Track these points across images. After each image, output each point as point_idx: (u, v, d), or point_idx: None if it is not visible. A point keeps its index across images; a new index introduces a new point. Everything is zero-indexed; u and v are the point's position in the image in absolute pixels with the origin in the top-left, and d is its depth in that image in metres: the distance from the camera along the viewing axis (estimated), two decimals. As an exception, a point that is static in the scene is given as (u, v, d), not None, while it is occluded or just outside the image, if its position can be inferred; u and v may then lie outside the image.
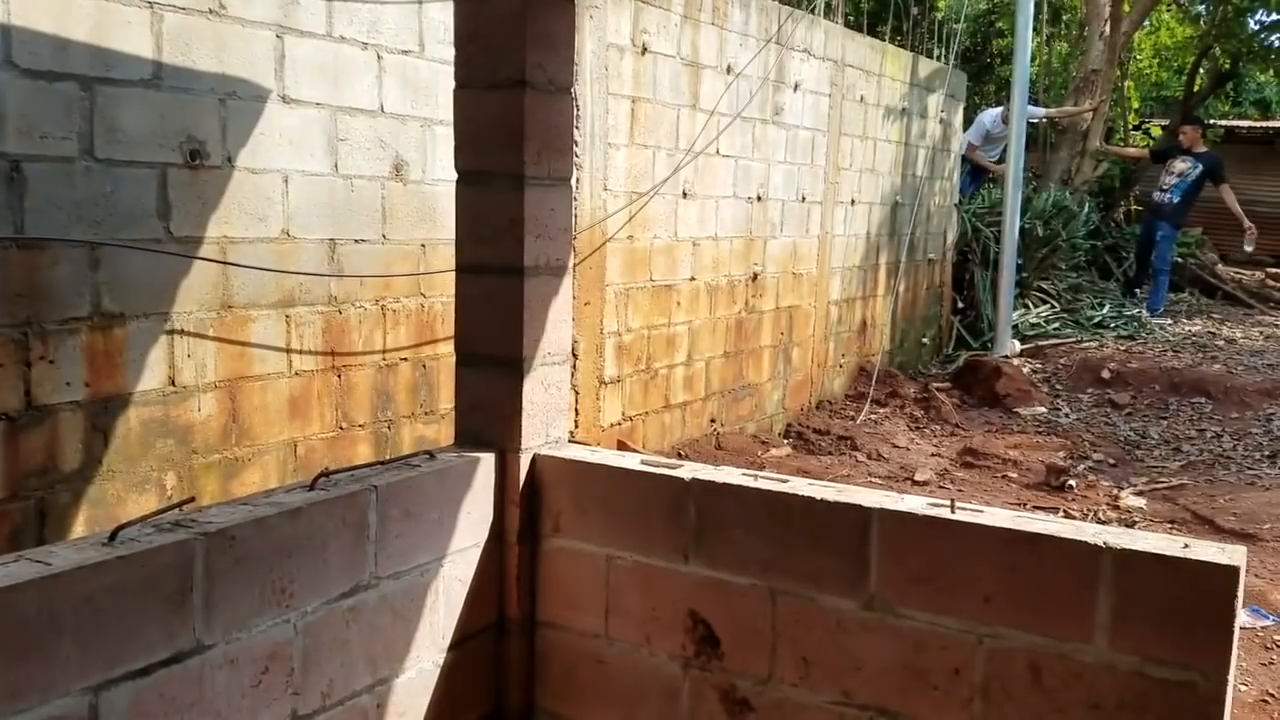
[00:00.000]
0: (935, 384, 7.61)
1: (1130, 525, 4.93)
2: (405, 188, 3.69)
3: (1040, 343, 8.51)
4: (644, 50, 4.96)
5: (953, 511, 2.06)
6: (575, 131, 4.55)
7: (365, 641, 2.06)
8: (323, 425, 3.45)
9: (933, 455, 6.29)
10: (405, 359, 3.73)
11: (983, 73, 14.49)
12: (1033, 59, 14.09)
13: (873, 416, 7.04)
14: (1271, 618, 3.84)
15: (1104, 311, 9.36)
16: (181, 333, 3.04)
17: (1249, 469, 5.79)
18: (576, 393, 4.77)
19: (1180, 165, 10.03)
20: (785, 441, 6.52)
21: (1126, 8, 11.09)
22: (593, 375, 4.88)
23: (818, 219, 6.82)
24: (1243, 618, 3.88)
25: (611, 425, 5.06)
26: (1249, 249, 10.50)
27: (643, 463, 2.42)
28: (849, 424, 6.86)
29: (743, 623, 2.24)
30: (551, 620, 2.45)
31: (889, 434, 6.67)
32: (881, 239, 7.73)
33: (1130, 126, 14.62)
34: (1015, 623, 1.96)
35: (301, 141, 3.34)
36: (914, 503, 2.12)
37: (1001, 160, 9.12)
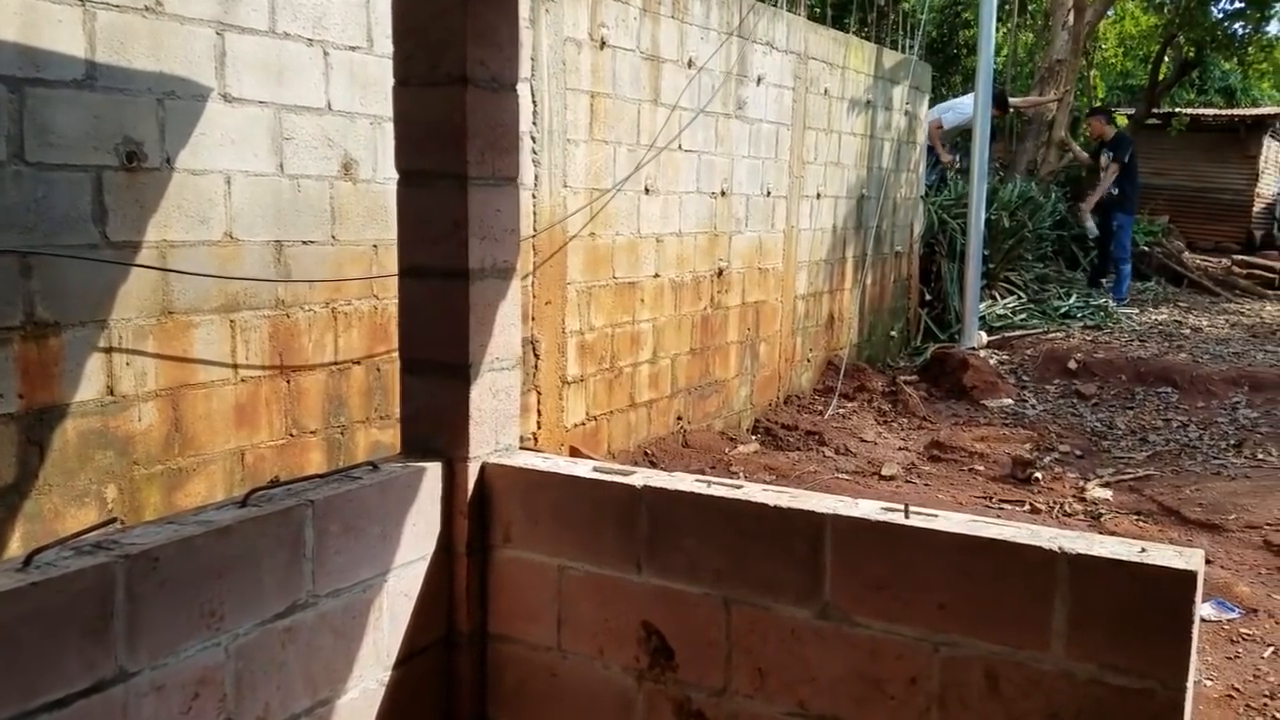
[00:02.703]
0: (903, 377, 7.60)
1: (1097, 517, 4.93)
2: (355, 187, 3.60)
3: (1007, 334, 8.52)
4: (603, 44, 4.88)
5: (907, 517, 2.01)
6: (532, 128, 4.48)
7: (304, 662, 1.99)
8: (271, 433, 3.36)
9: (900, 449, 6.27)
10: (358, 363, 3.65)
11: (949, 64, 14.51)
12: (998, 50, 14.14)
13: (840, 411, 7.01)
14: (1237, 611, 3.83)
15: (1070, 302, 9.39)
16: (120, 341, 2.94)
17: (1215, 459, 5.80)
18: (539, 393, 4.70)
19: (1103, 159, 10.41)
20: (753, 438, 6.49)
21: (1090, -3, 11.12)
22: (555, 375, 4.81)
23: (783, 213, 6.78)
24: (1207, 611, 3.88)
25: (575, 425, 5.00)
26: (1090, 231, 10.91)
27: (595, 469, 2.36)
28: (817, 419, 6.83)
29: (697, 633, 2.18)
30: (503, 633, 2.38)
31: (856, 428, 6.65)
32: (848, 232, 7.70)
33: (1096, 116, 14.66)
34: (971, 630, 1.91)
35: (244, 141, 3.24)
36: (868, 508, 2.07)
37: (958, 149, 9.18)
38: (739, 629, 2.14)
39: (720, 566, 2.16)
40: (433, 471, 2.31)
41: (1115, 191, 10.33)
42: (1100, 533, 4.75)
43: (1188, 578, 1.74)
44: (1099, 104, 15.78)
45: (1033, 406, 7.01)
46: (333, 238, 3.53)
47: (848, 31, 8.02)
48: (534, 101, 4.47)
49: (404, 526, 2.24)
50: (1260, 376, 7.08)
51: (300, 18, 3.40)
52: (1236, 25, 13.81)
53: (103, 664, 1.66)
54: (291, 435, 3.43)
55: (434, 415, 2.37)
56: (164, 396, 3.06)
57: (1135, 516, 4.91)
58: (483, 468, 2.38)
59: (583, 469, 2.36)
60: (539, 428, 4.71)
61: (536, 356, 4.67)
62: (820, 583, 2.05)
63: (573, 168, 4.78)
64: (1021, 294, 9.34)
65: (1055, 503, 5.13)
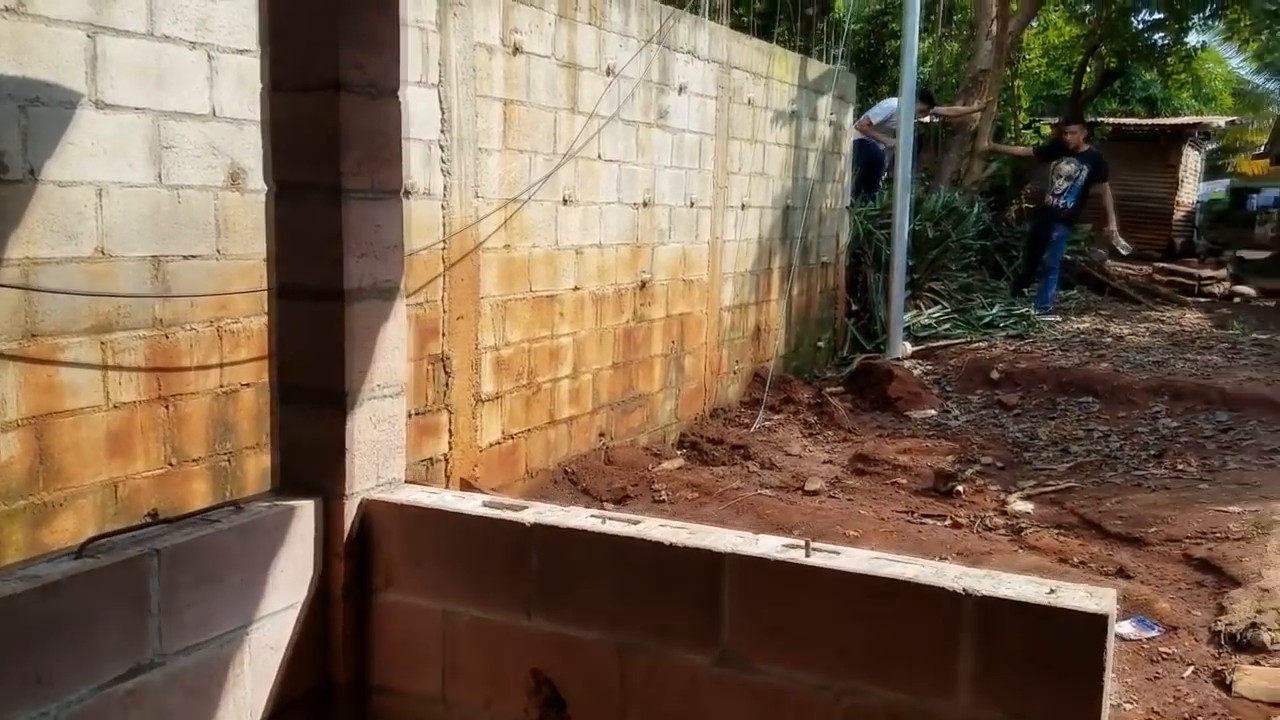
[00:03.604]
0: (829, 389, 7.54)
1: (1018, 531, 4.89)
2: (244, 198, 3.40)
3: (932, 344, 8.51)
4: (516, 50, 4.73)
5: (808, 555, 1.89)
6: (441, 136, 4.30)
7: (150, 728, 1.80)
8: (149, 462, 3.14)
9: (825, 463, 6.20)
10: (248, 384, 3.44)
11: (877, 74, 14.59)
12: (925, 60, 14.24)
13: (767, 424, 6.92)
14: (1157, 629, 3.78)
15: (994, 311, 9.42)
16: (-24, 366, 2.71)
17: (1135, 470, 5.81)
18: (451, 413, 4.52)
19: (1067, 168, 10.15)
20: (679, 452, 6.37)
21: (1014, 7, 11.22)
22: (469, 393, 4.63)
23: (708, 224, 6.67)
24: (1128, 629, 3.83)
25: (491, 445, 4.83)
26: (1124, 249, 11.04)
27: (485, 505, 2.21)
28: (743, 432, 6.73)
29: (590, 682, 2.04)
30: (384, 684, 2.22)
31: (783, 442, 6.56)
32: (774, 243, 7.63)
33: (1021, 125, 14.87)
34: (874, 677, 1.79)
35: (119, 150, 3.03)
36: (768, 545, 1.95)
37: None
38: (635, 677, 2.00)
39: (615, 610, 2.02)
40: (305, 510, 2.14)
41: (1070, 205, 10.23)
42: (1022, 547, 4.71)
43: (1098, 621, 1.64)
44: (1026, 113, 16.02)
45: (956, 417, 6.99)
46: (218, 251, 3.32)
47: (780, 43, 7.97)
48: (443, 109, 4.30)
49: (270, 572, 2.06)
50: (1180, 385, 7.14)
51: (182, 19, 3.20)
52: (1157, 36, 14.07)
53: (-97, 744, 1.47)
54: (171, 465, 3.22)
55: (309, 448, 2.20)
56: (27, 426, 2.83)
57: (1056, 530, 4.88)
58: (363, 505, 2.22)
59: (471, 504, 2.20)
60: (451, 449, 4.53)
61: (448, 374, 4.49)
62: (719, 627, 1.92)
63: (486, 177, 4.61)
64: (946, 304, 9.36)
65: (977, 516, 5.08)
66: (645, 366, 6.17)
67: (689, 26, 6.20)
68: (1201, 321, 10.68)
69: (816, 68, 8.07)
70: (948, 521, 5.03)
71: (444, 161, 4.33)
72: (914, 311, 9.05)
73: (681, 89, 6.15)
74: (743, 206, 7.11)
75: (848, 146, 8.81)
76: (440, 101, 4.28)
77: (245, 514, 2.04)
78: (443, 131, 4.30)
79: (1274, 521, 4.71)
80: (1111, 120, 18.08)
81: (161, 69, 3.15)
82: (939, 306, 9.26)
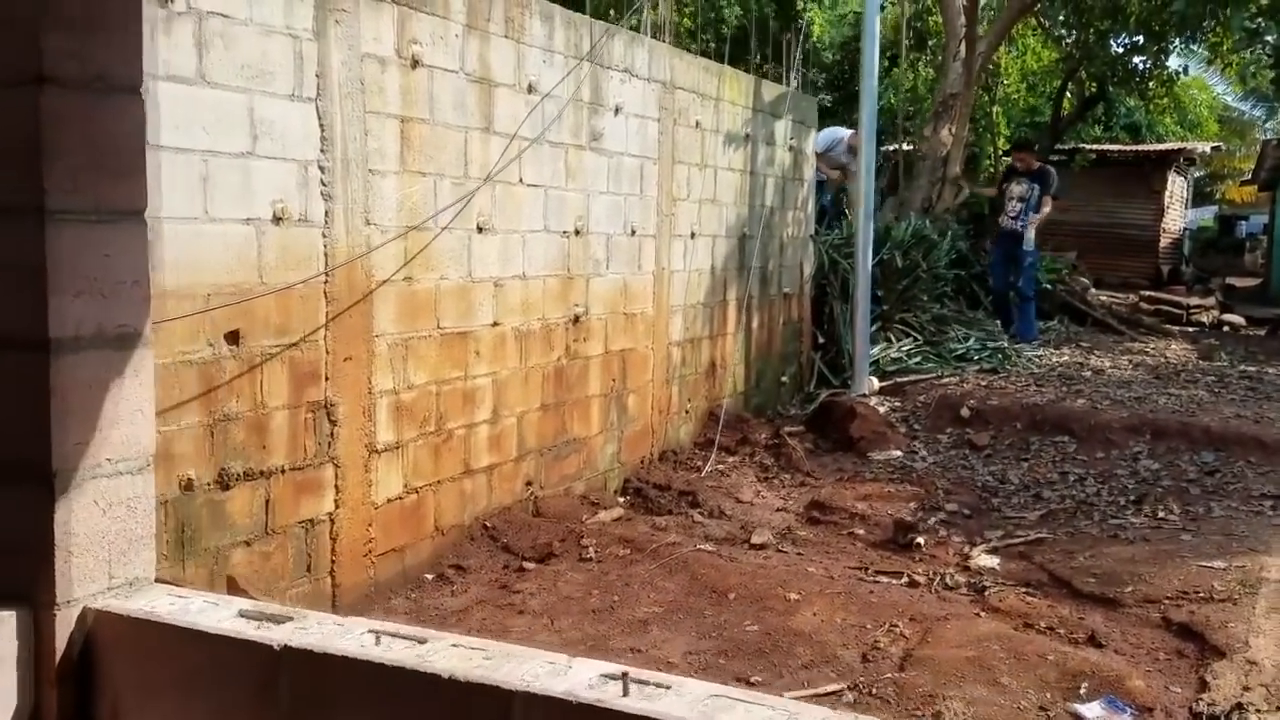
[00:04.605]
0: (788, 428, 7.05)
1: (981, 590, 4.40)
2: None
3: (900, 379, 8.04)
4: (415, 63, 4.27)
5: (625, 693, 1.40)
6: (321, 155, 3.84)
7: None
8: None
9: (778, 510, 5.71)
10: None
11: (852, 99, 14.19)
12: (897, 86, 13.87)
13: (720, 467, 6.43)
14: (1129, 711, 3.28)
15: (968, 344, 8.95)
16: None
17: (1112, 518, 5.32)
18: (337, 466, 4.02)
19: (1019, 189, 10.00)
20: (620, 500, 5.87)
21: (984, 29, 10.85)
22: (360, 443, 4.14)
23: (651, 254, 6.21)
24: (1096, 712, 3.33)
25: (390, 500, 4.33)
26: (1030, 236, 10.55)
27: (240, 615, 1.72)
28: (693, 477, 6.24)
29: None
30: None
31: (734, 487, 6.07)
32: (729, 274, 7.17)
33: (1000, 153, 14.47)
34: None
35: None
36: (578, 678, 1.46)
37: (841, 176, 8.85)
38: None
39: (386, 759, 1.53)
40: (2, 625, 1.64)
41: (1027, 224, 9.93)
42: (983, 609, 4.21)
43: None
44: (1005, 140, 15.61)
45: (922, 458, 6.50)
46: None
47: (756, 72, 7.56)
48: (323, 125, 3.84)
49: (-64, 711, 1.57)
50: (1162, 423, 6.67)
51: None
52: (1137, 59, 13.69)
53: None
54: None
55: (9, 542, 1.71)
56: None
57: (1023, 589, 4.39)
58: (85, 615, 1.72)
59: (219, 616, 1.71)
60: (338, 507, 4.03)
61: (333, 422, 4.00)
62: (509, 791, 1.43)
63: (380, 202, 4.15)
64: (918, 336, 8.89)
65: (937, 573, 4.59)
66: (580, 407, 5.69)
67: (625, 43, 5.76)
68: (1187, 353, 10.25)
69: (772, 90, 7.65)
70: (904, 579, 4.54)
71: (325, 184, 3.86)
72: (883, 344, 8.58)
73: (618, 109, 5.71)
74: (692, 235, 6.66)
75: (809, 172, 8.37)
76: (320, 117, 3.82)
77: (-101, 636, 1.54)
78: (323, 151, 3.84)
79: (1262, 579, 4.23)
80: (1094, 147, 17.73)
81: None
82: (910, 339, 8.80)
